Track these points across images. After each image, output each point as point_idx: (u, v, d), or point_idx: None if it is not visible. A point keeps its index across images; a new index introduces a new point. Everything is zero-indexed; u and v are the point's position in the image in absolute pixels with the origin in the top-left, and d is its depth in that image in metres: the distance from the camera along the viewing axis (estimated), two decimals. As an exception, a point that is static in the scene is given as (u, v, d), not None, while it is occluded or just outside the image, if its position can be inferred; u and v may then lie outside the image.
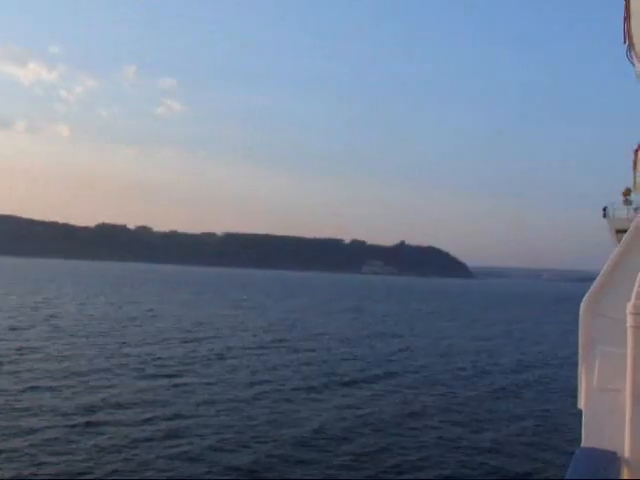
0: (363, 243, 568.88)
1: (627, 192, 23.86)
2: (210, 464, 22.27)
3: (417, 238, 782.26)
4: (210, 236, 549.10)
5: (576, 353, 6.78)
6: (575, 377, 6.36)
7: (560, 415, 33.76)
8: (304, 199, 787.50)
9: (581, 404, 6.51)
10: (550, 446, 27.68)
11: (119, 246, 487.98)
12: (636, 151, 17.52)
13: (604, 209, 24.42)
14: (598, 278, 6.60)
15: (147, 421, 27.09)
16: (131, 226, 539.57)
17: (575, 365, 6.68)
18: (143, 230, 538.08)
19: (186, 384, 35.21)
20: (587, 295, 6.55)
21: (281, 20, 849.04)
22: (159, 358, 42.84)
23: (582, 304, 6.55)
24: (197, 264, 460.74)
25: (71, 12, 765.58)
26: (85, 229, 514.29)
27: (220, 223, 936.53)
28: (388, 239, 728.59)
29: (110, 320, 65.21)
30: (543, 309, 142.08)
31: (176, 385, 34.78)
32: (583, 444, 6.21)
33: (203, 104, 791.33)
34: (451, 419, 31.28)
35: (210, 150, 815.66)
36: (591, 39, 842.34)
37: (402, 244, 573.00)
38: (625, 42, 7.35)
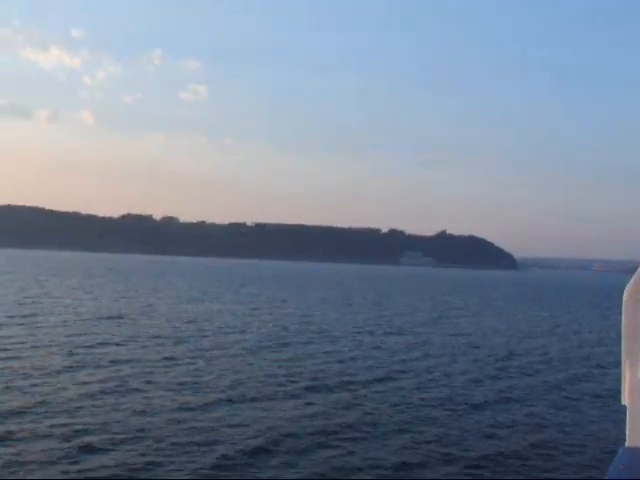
0: (401, 233, 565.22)
1: None
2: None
3: (459, 227, 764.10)
4: (240, 227, 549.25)
5: (615, 350, 6.30)
6: (616, 374, 5.27)
7: (599, 413, 32.61)
8: (338, 186, 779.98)
9: (625, 400, 5.54)
10: (590, 445, 26.80)
11: (144, 237, 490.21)
12: None
13: None
14: None
15: (64, 434, 24.53)
16: (157, 216, 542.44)
17: (616, 362, 6.48)
18: (169, 220, 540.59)
19: (136, 389, 32.91)
20: (631, 282, 5.53)
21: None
22: (120, 361, 40.39)
23: (625, 292, 5.61)
24: (225, 256, 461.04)
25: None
26: (109, 220, 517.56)
27: (250, 213, 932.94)
28: (428, 228, 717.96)
29: (95, 316, 63.19)
30: (583, 303, 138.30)
31: (126, 390, 32.55)
32: (627, 443, 5.26)
33: (230, 87, 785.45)
34: (462, 422, 29.29)
35: (238, 136, 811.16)
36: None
37: (443, 234, 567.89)
38: None
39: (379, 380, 39.12)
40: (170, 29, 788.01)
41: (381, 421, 29.08)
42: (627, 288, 6.12)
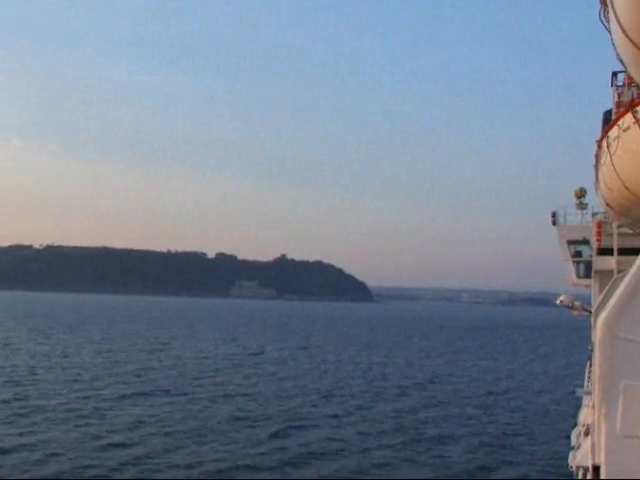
0: (233, 258, 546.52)
1: (580, 193, 24.25)
2: None
3: (302, 251, 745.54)
4: (25, 249, 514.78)
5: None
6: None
7: None
8: (156, 202, 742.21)
9: (599, 457, 5.97)
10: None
11: None
12: (599, 142, 16.00)
13: (553, 215, 25.34)
14: (618, 294, 6.50)
15: None
16: None
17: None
18: None
19: None
20: (605, 315, 6.34)
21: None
22: None
23: (599, 326, 6.41)
24: (4, 287, 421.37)
25: None
26: None
27: (40, 233, 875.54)
28: (265, 253, 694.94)
29: None
30: (451, 339, 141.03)
31: None
32: None
33: (22, 77, 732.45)
34: None
35: (29, 137, 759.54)
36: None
37: (283, 259, 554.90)
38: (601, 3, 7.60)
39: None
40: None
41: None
42: (601, 322, 6.09)
